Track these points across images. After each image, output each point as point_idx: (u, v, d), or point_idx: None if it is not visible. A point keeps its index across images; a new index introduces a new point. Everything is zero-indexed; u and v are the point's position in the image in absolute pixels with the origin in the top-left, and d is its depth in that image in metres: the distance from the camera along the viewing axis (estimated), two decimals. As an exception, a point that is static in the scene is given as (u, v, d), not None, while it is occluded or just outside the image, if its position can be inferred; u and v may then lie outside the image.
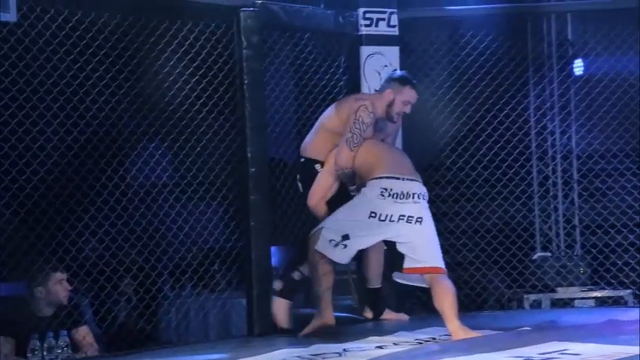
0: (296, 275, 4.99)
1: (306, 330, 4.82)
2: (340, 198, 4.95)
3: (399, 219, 4.65)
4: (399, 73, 5.34)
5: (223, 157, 5.37)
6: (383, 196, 4.68)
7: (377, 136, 5.08)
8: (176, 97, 5.27)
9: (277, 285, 5.05)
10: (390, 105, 5.00)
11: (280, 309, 4.95)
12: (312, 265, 4.81)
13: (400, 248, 4.73)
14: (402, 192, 4.67)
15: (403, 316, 5.40)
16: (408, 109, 5.03)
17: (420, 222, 4.67)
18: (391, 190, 4.68)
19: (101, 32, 4.94)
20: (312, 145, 5.09)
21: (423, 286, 4.75)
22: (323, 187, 5.02)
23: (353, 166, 4.89)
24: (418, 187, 4.73)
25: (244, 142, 5.13)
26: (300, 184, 5.17)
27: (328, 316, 4.78)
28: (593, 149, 6.53)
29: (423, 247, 4.68)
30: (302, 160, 5.15)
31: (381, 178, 4.74)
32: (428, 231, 4.71)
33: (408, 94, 5.01)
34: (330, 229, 4.75)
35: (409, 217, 4.66)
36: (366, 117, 4.91)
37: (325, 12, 5.69)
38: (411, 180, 4.74)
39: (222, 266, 5.91)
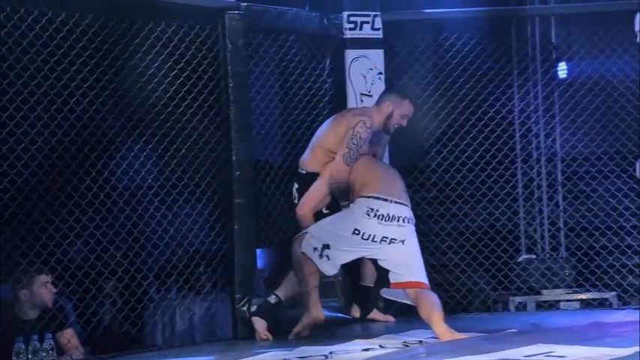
0: (272, 299, 4.98)
1: (297, 328, 4.81)
2: (332, 213, 4.96)
3: (382, 240, 4.71)
4: (398, 85, 5.37)
5: (208, 159, 5.36)
6: (369, 215, 4.72)
7: (371, 148, 5.09)
8: (161, 99, 5.25)
9: (253, 307, 5.03)
10: (389, 118, 5.01)
11: (259, 325, 4.93)
12: (297, 266, 4.81)
13: (383, 264, 4.75)
14: (387, 214, 4.71)
15: (389, 318, 5.41)
16: (404, 123, 5.05)
17: (402, 243, 4.73)
18: (377, 211, 4.71)
19: (85, 34, 4.92)
20: (311, 161, 5.09)
21: (408, 302, 4.79)
22: (315, 198, 5.01)
23: (348, 180, 4.89)
24: (405, 212, 4.77)
25: (229, 144, 5.12)
26: (296, 194, 5.14)
27: (317, 312, 4.78)
28: (578, 152, 6.55)
29: (404, 265, 4.72)
30: (303, 172, 5.13)
31: (369, 197, 4.77)
32: (410, 251, 4.76)
33: (407, 108, 5.04)
34: (313, 236, 4.78)
35: (392, 239, 4.71)
36: (364, 132, 4.92)
37: (310, 14, 5.69)
38: (399, 203, 4.77)
39: (207, 268, 5.89)
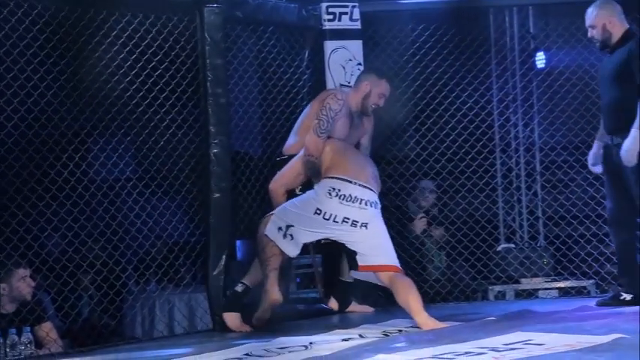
0: (239, 287, 4.98)
1: (258, 313, 4.80)
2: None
3: (343, 221, 4.67)
4: (375, 66, 5.39)
5: (187, 152, 5.35)
6: (330, 195, 4.70)
7: (353, 134, 5.08)
8: (139, 92, 5.23)
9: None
10: (366, 97, 5.02)
11: (232, 320, 4.92)
12: (259, 248, 4.81)
13: (350, 247, 4.75)
14: (349, 195, 4.68)
15: (368, 309, 5.42)
16: (382, 102, 5.06)
17: (366, 227, 4.69)
18: (339, 191, 4.69)
19: (62, 25, 4.89)
20: (295, 145, 5.09)
21: (379, 284, 4.78)
22: (289, 174, 5.03)
23: (320, 156, 4.88)
24: (369, 195, 4.73)
25: (207, 137, 5.10)
26: None
27: (275, 293, 4.74)
28: (556, 141, 6.58)
29: (371, 248, 4.70)
30: (285, 157, 5.13)
31: (333, 178, 4.76)
32: (376, 235, 4.72)
33: (385, 87, 5.05)
34: (278, 217, 4.77)
35: (354, 221, 4.67)
36: (334, 104, 4.92)
37: (289, 5, 5.68)
38: (364, 187, 4.73)
39: (186, 260, 5.88)
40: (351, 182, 4.73)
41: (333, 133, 4.96)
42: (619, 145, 4.89)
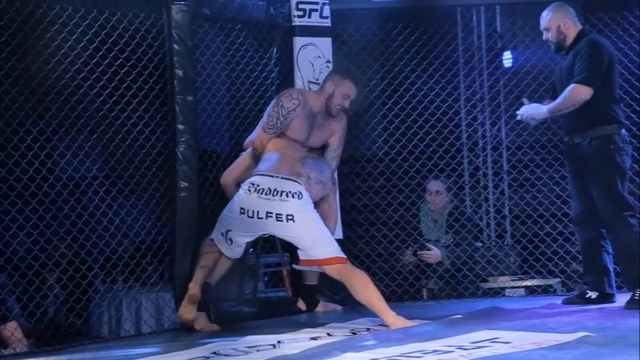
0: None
1: (179, 311, 4.80)
2: None
3: (268, 216, 4.60)
4: (340, 66, 5.36)
5: (154, 149, 5.31)
6: (250, 191, 4.66)
7: (316, 135, 5.04)
8: (105, 89, 5.19)
9: None
10: (330, 98, 4.98)
11: (199, 322, 4.89)
12: (203, 242, 4.84)
13: (288, 240, 4.70)
14: (269, 189, 4.62)
15: (337, 308, 5.42)
16: (347, 104, 5.00)
17: (293, 220, 4.59)
18: (258, 186, 4.65)
19: (26, 22, 4.84)
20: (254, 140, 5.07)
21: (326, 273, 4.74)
22: (238, 167, 5.04)
23: (262, 152, 4.88)
24: (291, 186, 4.63)
25: (174, 136, 5.08)
26: None
27: (193, 288, 4.72)
28: (523, 140, 6.62)
29: (310, 243, 4.61)
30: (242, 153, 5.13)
31: (255, 175, 4.73)
32: (307, 228, 4.61)
33: (348, 88, 4.99)
34: (219, 222, 4.78)
35: (278, 214, 4.59)
36: (287, 102, 4.89)
37: (257, 3, 5.66)
38: (286, 179, 4.66)
39: (154, 259, 5.85)
40: (272, 176, 4.68)
41: (288, 132, 4.92)
42: (579, 145, 4.95)
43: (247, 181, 4.73)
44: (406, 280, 6.08)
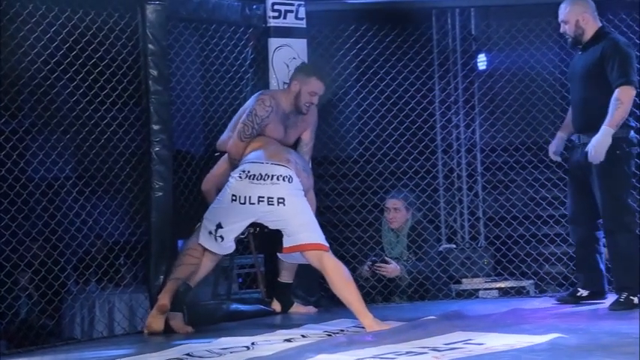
0: (181, 287, 4.95)
1: (147, 320, 4.78)
2: None
3: (259, 201, 4.60)
4: (306, 64, 5.35)
5: (128, 150, 5.29)
6: (240, 178, 4.66)
7: (290, 133, 5.06)
8: (79, 88, 5.16)
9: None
10: (297, 96, 5.00)
11: (175, 322, 4.88)
12: (180, 253, 4.79)
13: (275, 226, 4.66)
14: (259, 174, 4.64)
15: (311, 309, 5.41)
16: (315, 100, 5.02)
17: (283, 203, 4.60)
18: (249, 172, 4.66)
19: (-1, 21, 4.81)
20: (226, 142, 5.06)
21: (307, 263, 4.72)
22: (217, 173, 5.05)
23: (241, 158, 4.87)
24: (281, 170, 4.66)
25: (148, 136, 5.06)
26: None
27: (163, 299, 4.69)
28: (497, 143, 6.65)
29: (296, 227, 4.60)
30: (217, 154, 5.12)
31: (245, 163, 4.74)
32: (298, 210, 4.63)
33: (314, 85, 5.00)
34: (207, 219, 4.74)
35: (269, 198, 4.60)
36: (260, 110, 4.91)
37: (232, 3, 5.65)
38: (275, 164, 4.68)
39: (127, 260, 5.82)
40: (262, 163, 4.70)
41: (268, 134, 4.95)
42: (585, 145, 4.87)
43: (237, 170, 4.72)
44: (380, 281, 6.08)
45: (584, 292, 5.08)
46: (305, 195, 4.81)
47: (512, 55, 6.46)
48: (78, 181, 5.39)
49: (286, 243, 4.66)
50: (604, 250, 5.11)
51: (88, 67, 5.12)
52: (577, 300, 5.07)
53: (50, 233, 5.30)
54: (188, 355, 4.02)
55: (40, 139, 5.48)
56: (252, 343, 4.22)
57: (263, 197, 4.61)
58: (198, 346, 4.24)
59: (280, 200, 4.61)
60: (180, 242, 5.36)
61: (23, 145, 5.21)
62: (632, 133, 4.86)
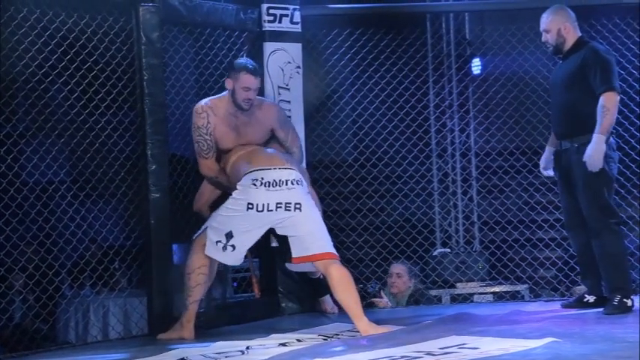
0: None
1: (163, 336, 4.73)
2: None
3: (277, 207, 4.58)
4: (236, 60, 5.26)
5: (122, 154, 5.28)
6: (255, 185, 4.60)
7: (246, 131, 4.90)
8: (73, 92, 5.15)
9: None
10: (233, 94, 4.92)
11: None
12: (188, 272, 4.72)
13: (287, 232, 4.63)
14: (274, 180, 4.60)
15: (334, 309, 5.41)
16: (250, 95, 4.84)
17: (300, 208, 4.59)
18: (262, 179, 4.61)
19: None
20: None
21: (314, 271, 4.71)
22: (203, 192, 5.03)
23: (219, 174, 4.86)
24: (292, 174, 4.64)
25: (144, 138, 5.05)
26: None
27: (188, 331, 4.68)
28: (491, 147, 6.67)
29: (308, 235, 4.59)
30: None
31: (252, 171, 4.67)
32: (310, 217, 4.63)
33: (244, 79, 4.82)
34: (213, 229, 4.67)
35: (287, 204, 4.58)
36: (198, 120, 4.85)
37: (227, 7, 5.64)
38: (282, 168, 4.66)
39: (122, 264, 5.81)
40: (270, 169, 4.66)
41: (221, 144, 4.88)
42: (567, 150, 4.93)
43: (248, 177, 4.64)
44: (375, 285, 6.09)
45: (590, 299, 5.06)
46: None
47: (506, 60, 6.48)
48: (72, 185, 5.39)
49: (296, 253, 4.62)
50: None
51: (82, 70, 5.11)
52: (584, 306, 5.05)
53: (45, 237, 5.30)
54: (183, 359, 4.02)
55: (35, 143, 5.47)
56: (247, 348, 4.21)
57: (281, 203, 4.58)
58: (193, 350, 4.23)
59: (297, 206, 4.60)
60: (174, 247, 5.37)
61: (17, 149, 5.21)
62: (611, 138, 4.92)
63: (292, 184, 4.62)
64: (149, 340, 4.84)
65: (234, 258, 4.68)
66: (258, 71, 4.92)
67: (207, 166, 4.86)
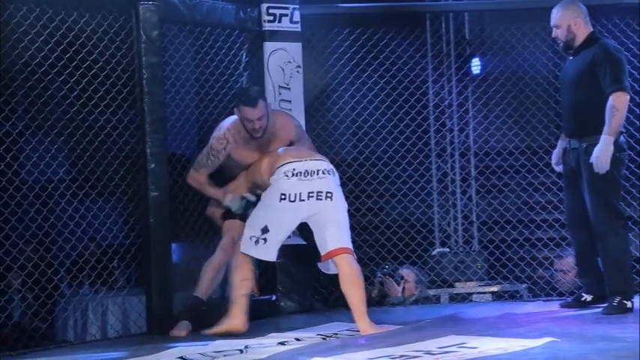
0: (190, 300, 4.98)
1: (212, 330, 4.75)
2: None
3: (309, 197, 4.62)
4: (236, 91, 5.31)
5: (122, 153, 5.28)
6: (287, 177, 4.66)
7: (270, 148, 4.96)
8: (73, 91, 5.15)
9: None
10: (242, 123, 4.91)
11: (180, 329, 4.89)
12: (231, 269, 4.78)
13: (317, 226, 4.65)
14: (305, 170, 4.66)
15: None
16: (255, 125, 4.85)
17: (331, 197, 4.64)
18: (294, 169, 4.66)
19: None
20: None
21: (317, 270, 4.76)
22: (213, 199, 5.11)
23: (202, 187, 4.96)
24: (323, 164, 4.71)
25: (143, 137, 5.06)
26: None
27: (240, 322, 4.69)
28: (490, 147, 6.66)
29: (333, 227, 4.63)
30: None
31: (283, 165, 4.72)
32: (340, 209, 4.69)
33: (245, 112, 4.84)
34: (249, 226, 4.72)
35: (318, 192, 4.63)
36: (216, 143, 4.92)
37: (226, 6, 5.65)
38: (314, 160, 4.73)
39: (120, 263, 5.81)
40: (300, 161, 4.71)
41: (245, 162, 4.96)
42: (575, 149, 4.90)
43: (280, 171, 4.68)
44: (373, 284, 6.09)
45: (588, 297, 5.06)
46: None
47: (505, 59, 6.47)
48: (71, 183, 5.38)
49: (322, 250, 4.65)
50: None
51: (82, 69, 5.11)
52: (582, 305, 5.05)
53: (44, 236, 5.29)
54: (181, 358, 4.03)
55: (34, 141, 5.47)
56: (246, 346, 4.22)
57: (313, 192, 4.63)
58: (191, 349, 4.24)
59: (329, 195, 4.64)
60: (173, 245, 5.37)
61: (17, 148, 5.20)
62: (621, 138, 4.88)
63: (323, 173, 4.68)
64: (148, 339, 4.84)
65: (267, 252, 4.69)
66: (256, 99, 4.86)
67: (196, 178, 4.98)
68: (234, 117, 4.99)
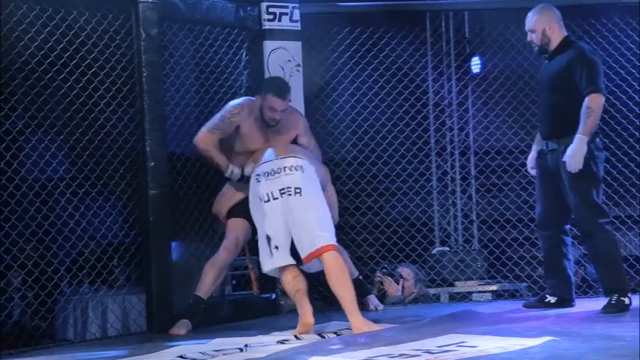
0: (195, 299, 5.00)
1: (295, 332, 4.66)
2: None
3: (282, 194, 4.62)
4: (267, 79, 5.34)
5: (122, 151, 5.28)
6: (258, 180, 4.71)
7: (276, 139, 5.03)
8: (72, 89, 5.15)
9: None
10: (261, 110, 4.99)
11: (179, 327, 4.89)
12: (280, 279, 4.79)
13: (293, 227, 4.62)
14: (272, 169, 4.69)
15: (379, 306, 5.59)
16: (277, 115, 4.96)
17: (300, 193, 4.61)
18: (262, 171, 4.72)
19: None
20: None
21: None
22: (225, 194, 5.17)
23: (212, 149, 4.97)
24: (291, 161, 4.70)
25: (143, 135, 5.06)
26: None
27: (307, 316, 4.64)
28: (490, 145, 6.66)
29: (306, 229, 4.56)
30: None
31: (255, 169, 4.79)
32: (312, 203, 4.64)
33: (271, 101, 4.95)
34: (260, 240, 4.73)
35: (287, 188, 4.61)
36: (232, 109, 5.04)
37: (226, 5, 5.66)
38: (284, 157, 4.73)
39: (120, 262, 5.81)
40: (270, 161, 4.75)
41: (247, 143, 5.01)
42: (553, 151, 4.96)
43: (253, 175, 4.77)
44: (373, 284, 6.09)
45: (552, 299, 5.12)
46: (323, 189, 4.84)
47: (505, 58, 6.47)
48: (71, 182, 5.38)
49: (302, 253, 4.60)
50: (572, 257, 5.17)
51: (82, 67, 5.11)
52: (544, 306, 5.09)
53: (43, 234, 5.29)
54: (181, 357, 4.02)
55: (34, 140, 5.47)
56: (246, 345, 4.22)
57: (283, 189, 4.63)
58: (191, 347, 4.24)
59: (297, 190, 4.62)
60: (173, 244, 5.37)
61: (16, 146, 5.20)
62: (597, 139, 4.92)
63: (290, 169, 4.68)
64: (148, 338, 4.85)
65: (282, 258, 4.65)
66: (287, 92, 5.01)
67: (209, 138, 4.99)
68: (249, 98, 5.09)
